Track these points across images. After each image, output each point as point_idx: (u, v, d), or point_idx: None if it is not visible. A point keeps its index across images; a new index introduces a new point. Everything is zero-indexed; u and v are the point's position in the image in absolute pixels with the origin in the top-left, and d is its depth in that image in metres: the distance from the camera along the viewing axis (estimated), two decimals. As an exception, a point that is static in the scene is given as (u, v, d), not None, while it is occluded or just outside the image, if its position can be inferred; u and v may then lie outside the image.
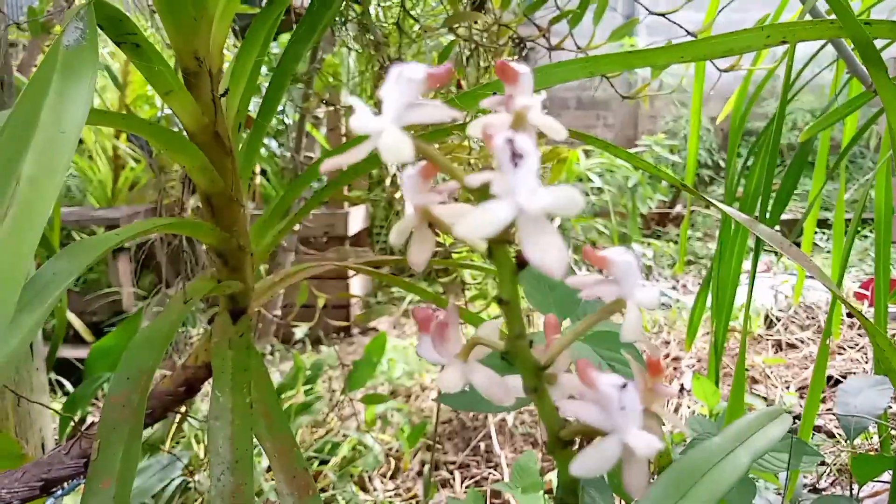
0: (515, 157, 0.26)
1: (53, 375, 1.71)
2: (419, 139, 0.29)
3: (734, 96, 1.42)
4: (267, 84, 0.73)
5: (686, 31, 1.15)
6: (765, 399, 1.68)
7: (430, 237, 0.34)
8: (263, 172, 2.21)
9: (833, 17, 0.59)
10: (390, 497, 1.47)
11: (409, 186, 0.33)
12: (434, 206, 0.33)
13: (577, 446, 0.34)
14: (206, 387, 0.77)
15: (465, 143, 1.18)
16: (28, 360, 0.98)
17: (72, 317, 1.72)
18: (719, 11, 1.27)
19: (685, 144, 3.43)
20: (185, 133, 0.64)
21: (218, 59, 0.64)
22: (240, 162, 0.70)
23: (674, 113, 3.86)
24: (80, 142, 2.33)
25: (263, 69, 0.85)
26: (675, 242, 3.08)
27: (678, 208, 3.45)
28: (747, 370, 1.80)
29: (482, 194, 0.29)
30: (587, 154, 2.98)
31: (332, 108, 1.27)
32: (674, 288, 2.56)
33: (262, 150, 1.46)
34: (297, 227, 1.50)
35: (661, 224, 3.43)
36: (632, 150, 3.51)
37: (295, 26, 0.73)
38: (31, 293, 0.47)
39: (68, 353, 1.71)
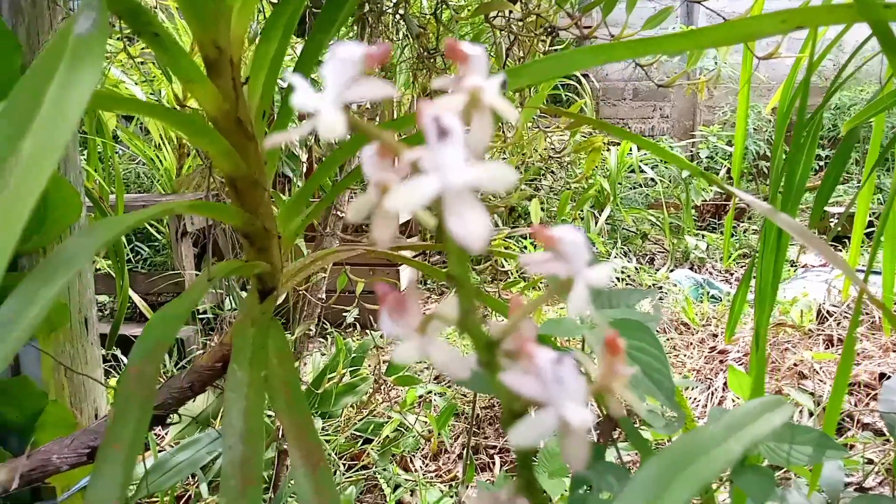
0: (442, 133, 0.27)
1: (116, 351, 1.81)
2: (359, 120, 0.31)
3: (782, 86, 1.38)
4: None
5: (722, 17, 1.13)
6: (812, 395, 1.63)
7: (392, 214, 0.36)
8: (320, 160, 2.27)
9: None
10: (431, 478, 1.50)
11: (368, 164, 0.35)
12: (393, 182, 0.35)
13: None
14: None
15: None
16: (83, 334, 1.05)
17: (135, 296, 1.80)
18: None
19: (745, 136, 3.34)
20: (207, 120, 0.68)
21: (238, 48, 0.66)
22: (263, 147, 0.73)
23: (732, 103, 3.75)
24: (147, 132, 2.44)
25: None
26: (732, 235, 3.01)
27: (736, 200, 3.36)
28: (795, 365, 1.76)
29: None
30: (632, 142, 2.93)
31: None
32: (725, 281, 2.50)
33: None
34: (342, 213, 1.53)
35: (717, 216, 3.34)
36: (688, 142, 3.44)
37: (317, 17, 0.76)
38: (52, 267, 0.51)
39: (130, 330, 1.80)
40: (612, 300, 0.99)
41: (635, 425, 0.96)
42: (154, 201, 2.09)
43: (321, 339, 2.02)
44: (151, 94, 1.98)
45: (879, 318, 1.93)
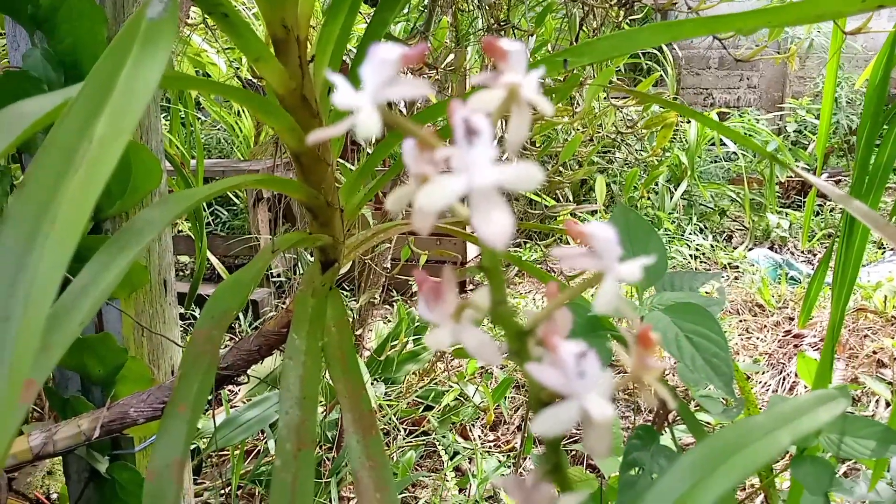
0: (470, 134, 0.28)
1: (195, 310, 1.90)
2: (398, 117, 0.32)
3: (874, 61, 1.31)
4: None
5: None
6: (890, 384, 1.56)
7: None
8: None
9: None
10: (489, 447, 1.53)
11: (409, 156, 0.36)
12: (431, 174, 0.36)
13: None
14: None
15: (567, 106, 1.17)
16: (162, 295, 1.11)
17: (213, 258, 1.89)
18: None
19: (836, 109, 3.16)
20: (275, 97, 0.70)
21: (305, 27, 0.68)
22: (328, 123, 0.75)
23: (825, 74, 3.54)
24: (227, 100, 2.52)
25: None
26: (817, 214, 2.87)
27: (823, 178, 3.20)
28: (874, 353, 1.69)
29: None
30: (722, 117, 2.82)
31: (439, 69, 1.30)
32: (807, 262, 2.40)
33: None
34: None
35: (803, 193, 3.20)
36: (775, 115, 3.29)
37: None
38: (127, 236, 0.55)
39: (207, 290, 1.89)
40: (674, 282, 0.97)
41: (693, 409, 0.95)
42: (232, 167, 2.17)
43: (387, 307, 2.06)
44: (232, 61, 2.04)
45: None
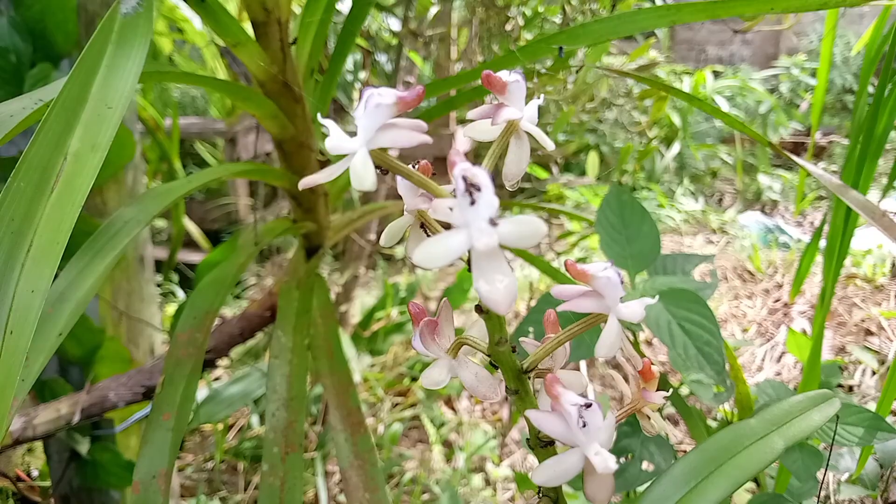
0: (471, 189, 0.26)
1: (174, 278, 1.87)
2: (393, 160, 0.30)
3: (874, 24, 1.27)
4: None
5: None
6: (877, 353, 1.58)
7: (424, 238, 0.35)
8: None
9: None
10: (476, 418, 1.54)
11: (404, 189, 0.34)
12: (429, 210, 0.34)
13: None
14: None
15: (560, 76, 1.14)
16: (140, 271, 1.08)
17: (190, 225, 1.85)
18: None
19: (831, 66, 3.11)
20: (255, 82, 0.67)
21: (286, 9, 0.65)
22: (311, 108, 0.72)
23: (820, 31, 3.49)
24: (203, 59, 2.44)
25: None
26: (809, 175, 2.85)
27: (816, 136, 3.17)
28: (863, 321, 1.70)
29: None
30: (716, 75, 2.77)
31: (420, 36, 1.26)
32: (798, 224, 2.40)
33: (364, 74, 1.47)
34: (393, 151, 1.52)
35: (796, 153, 3.18)
36: (767, 72, 3.24)
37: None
38: (103, 240, 0.53)
39: (186, 257, 1.86)
40: (667, 266, 0.96)
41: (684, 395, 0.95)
42: (209, 127, 2.10)
43: (373, 273, 2.05)
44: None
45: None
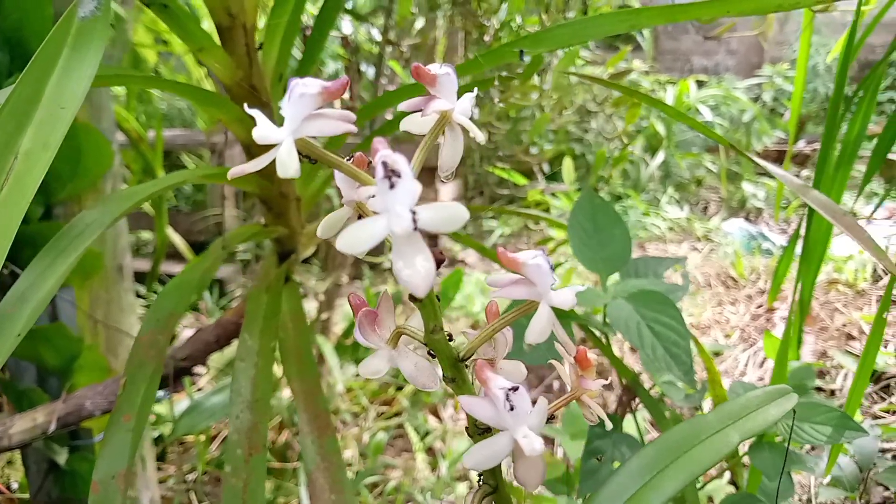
0: (391, 175, 0.26)
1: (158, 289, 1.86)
2: (321, 149, 0.31)
3: (845, 35, 1.29)
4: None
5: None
6: (858, 357, 1.58)
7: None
8: (342, 101, 2.23)
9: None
10: (461, 426, 1.54)
11: (341, 181, 0.34)
12: (366, 201, 0.35)
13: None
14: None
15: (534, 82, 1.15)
16: (118, 280, 1.08)
17: (175, 237, 1.85)
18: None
19: (813, 76, 3.15)
20: (222, 87, 0.68)
21: (252, 14, 0.66)
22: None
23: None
24: (189, 70, 2.44)
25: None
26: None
27: (800, 145, 3.20)
28: (844, 326, 1.70)
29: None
30: (700, 84, 2.80)
31: (399, 45, 1.27)
32: (782, 232, 2.41)
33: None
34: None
35: (780, 162, 3.20)
36: (751, 81, 3.28)
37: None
38: (65, 241, 0.53)
39: (171, 269, 1.85)
40: (639, 269, 0.97)
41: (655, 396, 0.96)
42: (194, 139, 2.11)
43: (359, 283, 2.05)
44: None
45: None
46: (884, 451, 1.35)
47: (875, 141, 1.13)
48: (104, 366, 0.95)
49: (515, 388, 0.30)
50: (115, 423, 0.53)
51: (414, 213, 0.26)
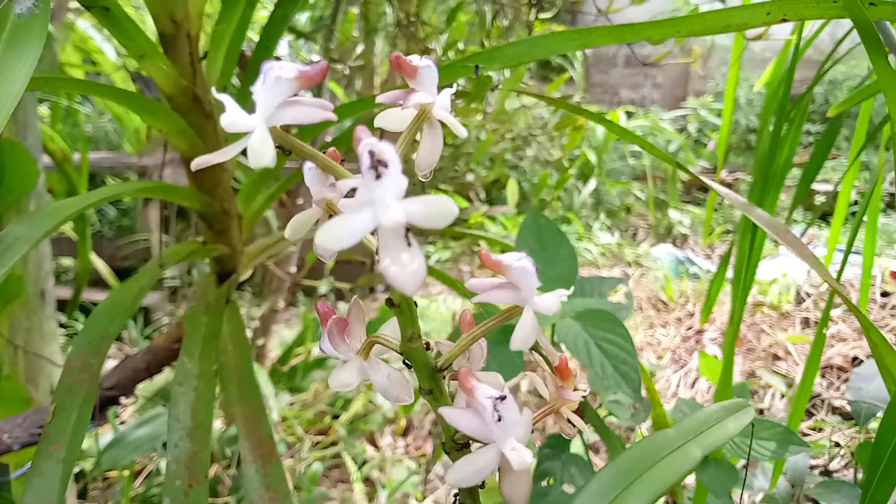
0: (378, 166, 0.24)
1: (79, 317, 1.77)
2: (296, 140, 0.28)
3: (772, 65, 1.36)
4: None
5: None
6: (784, 377, 1.64)
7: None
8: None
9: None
10: (399, 454, 1.50)
11: (311, 180, 0.32)
12: (337, 199, 0.33)
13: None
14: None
15: (479, 105, 1.15)
16: (40, 307, 1.01)
17: (98, 262, 1.76)
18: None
19: (736, 108, 3.30)
20: (163, 97, 0.64)
21: (197, 22, 0.63)
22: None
23: (726, 74, 3.69)
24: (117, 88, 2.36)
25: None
26: (716, 210, 3.00)
27: (723, 174, 3.34)
28: (770, 347, 1.76)
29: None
30: (629, 115, 2.89)
31: (345, 66, 1.26)
32: (707, 257, 2.50)
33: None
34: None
35: (704, 190, 3.33)
36: (676, 113, 3.40)
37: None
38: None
39: (94, 296, 1.76)
40: (584, 288, 0.97)
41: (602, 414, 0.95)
42: (121, 162, 2.03)
43: (294, 309, 1.99)
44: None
45: (857, 300, 1.94)
46: (812, 467, 1.39)
47: (800, 170, 1.18)
48: (24, 396, 0.88)
49: (503, 398, 0.28)
50: (43, 454, 0.48)
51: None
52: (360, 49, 1.30)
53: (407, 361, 0.32)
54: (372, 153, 0.24)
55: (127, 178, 2.19)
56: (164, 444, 1.32)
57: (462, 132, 0.31)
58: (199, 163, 0.28)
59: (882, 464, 0.55)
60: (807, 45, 1.28)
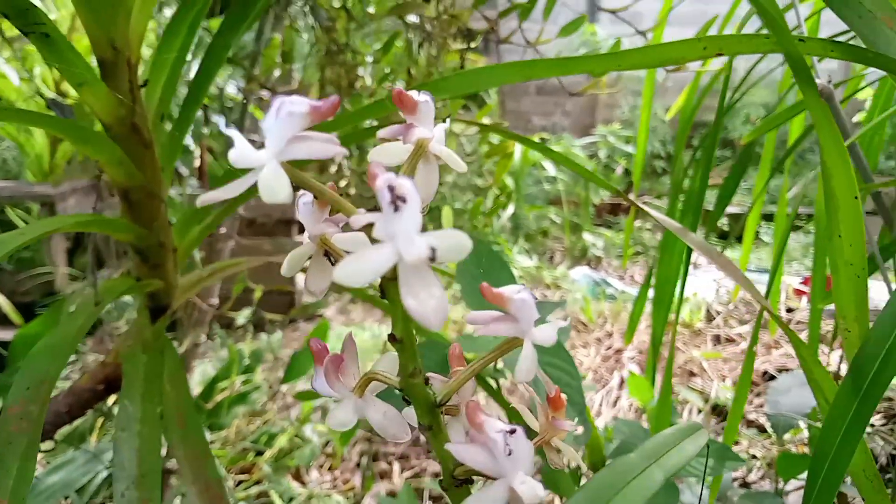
0: (397, 201, 0.24)
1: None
2: (304, 175, 0.28)
3: (685, 92, 1.43)
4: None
5: (636, 30, 1.15)
6: (701, 393, 1.71)
7: (327, 266, 0.33)
8: (211, 150, 2.13)
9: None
10: (327, 489, 1.46)
11: (305, 214, 0.31)
12: (332, 235, 0.32)
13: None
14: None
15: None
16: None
17: (0, 298, 1.65)
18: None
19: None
20: (101, 125, 0.61)
21: (136, 49, 0.61)
22: (161, 155, 0.67)
23: (631, 102, 3.88)
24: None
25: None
26: (631, 231, 3.11)
27: (631, 199, 3.46)
28: (686, 363, 1.84)
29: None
30: (544, 142, 2.97)
31: (272, 92, 1.24)
32: (621, 278, 2.59)
33: (206, 130, 1.41)
34: (240, 209, 1.45)
35: (614, 214, 3.46)
36: (587, 140, 3.54)
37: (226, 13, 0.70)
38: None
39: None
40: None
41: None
42: (22, 191, 1.91)
43: (209, 341, 1.92)
44: (30, 73, 1.78)
45: (766, 318, 2.06)
46: (733, 479, 1.45)
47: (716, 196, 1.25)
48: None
49: (513, 431, 0.28)
50: (-19, 513, 0.44)
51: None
52: (294, 75, 1.28)
53: (406, 397, 0.32)
54: (392, 188, 0.24)
55: (28, 210, 2.06)
56: (79, 490, 1.24)
57: (462, 167, 0.31)
58: (205, 199, 0.26)
59: (820, 477, 0.57)
60: (715, 77, 1.36)
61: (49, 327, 1.17)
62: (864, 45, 0.53)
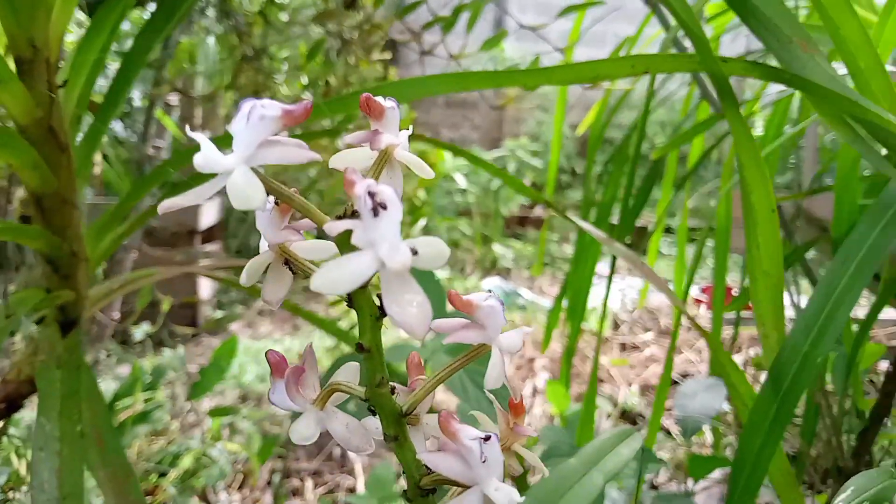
0: (377, 207, 0.24)
1: None
2: (272, 181, 0.27)
3: (595, 109, 1.48)
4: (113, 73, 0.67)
5: (553, 47, 1.19)
6: (610, 398, 1.76)
7: (286, 275, 0.32)
8: (105, 157, 2.03)
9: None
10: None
11: (264, 222, 0.30)
12: (291, 243, 0.31)
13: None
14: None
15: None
16: None
17: None
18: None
19: (547, 149, 3.55)
20: (13, 127, 0.57)
21: (57, 47, 0.57)
22: (76, 159, 0.63)
23: (537, 117, 3.98)
24: None
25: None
26: (535, 244, 3.19)
27: (538, 211, 3.57)
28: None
29: (344, 242, 0.27)
30: (454, 154, 3.00)
31: (185, 97, 1.20)
32: (530, 289, 2.64)
33: (105, 137, 1.34)
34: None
35: (522, 225, 3.54)
36: (496, 153, 3.60)
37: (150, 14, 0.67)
38: None
39: None
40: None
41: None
42: None
43: (104, 359, 1.82)
44: None
45: (667, 326, 2.15)
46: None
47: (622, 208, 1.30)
48: None
49: (488, 438, 0.28)
50: None
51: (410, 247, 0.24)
52: (200, 80, 1.24)
53: (371, 407, 0.31)
54: (372, 194, 0.24)
55: None
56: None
57: (429, 173, 0.31)
58: (165, 206, 0.25)
59: (743, 477, 0.60)
60: (624, 95, 1.42)
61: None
62: (779, 66, 0.56)
